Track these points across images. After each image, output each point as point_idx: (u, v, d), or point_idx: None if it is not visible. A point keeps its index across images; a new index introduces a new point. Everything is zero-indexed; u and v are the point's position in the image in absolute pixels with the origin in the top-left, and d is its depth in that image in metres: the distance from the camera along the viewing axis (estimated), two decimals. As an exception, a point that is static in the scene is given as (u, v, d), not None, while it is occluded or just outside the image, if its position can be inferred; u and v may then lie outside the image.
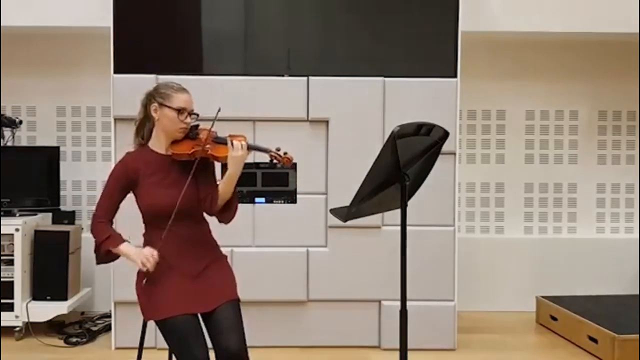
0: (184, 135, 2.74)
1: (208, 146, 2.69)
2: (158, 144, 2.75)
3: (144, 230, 2.75)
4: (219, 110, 2.69)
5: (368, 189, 2.44)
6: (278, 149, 2.74)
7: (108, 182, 2.74)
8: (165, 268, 2.63)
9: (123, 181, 2.71)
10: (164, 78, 4.01)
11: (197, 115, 2.76)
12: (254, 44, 4.23)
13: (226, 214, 2.79)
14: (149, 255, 2.57)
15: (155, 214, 2.66)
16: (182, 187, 2.62)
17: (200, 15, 4.22)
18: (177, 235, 2.64)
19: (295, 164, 4.12)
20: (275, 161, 2.75)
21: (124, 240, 2.68)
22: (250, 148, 2.72)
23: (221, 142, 2.72)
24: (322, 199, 4.21)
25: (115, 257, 2.73)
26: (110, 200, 2.71)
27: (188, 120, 2.73)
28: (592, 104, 5.29)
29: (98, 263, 2.77)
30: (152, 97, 2.73)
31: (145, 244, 2.70)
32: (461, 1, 4.19)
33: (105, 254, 2.70)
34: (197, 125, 2.77)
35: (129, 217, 2.81)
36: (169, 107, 2.69)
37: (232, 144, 2.65)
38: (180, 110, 2.69)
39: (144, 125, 2.79)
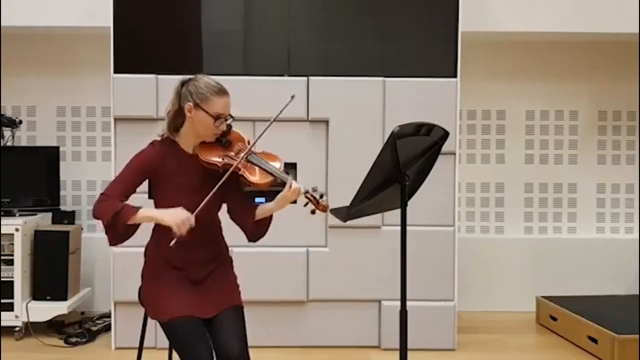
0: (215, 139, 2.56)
1: (240, 166, 2.50)
2: (185, 142, 2.57)
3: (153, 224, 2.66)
4: (281, 109, 2.60)
5: (368, 189, 2.44)
6: (315, 189, 2.56)
7: (128, 167, 2.54)
8: (172, 269, 2.60)
9: (145, 169, 2.53)
10: (164, 78, 4.04)
11: (233, 118, 2.57)
12: (254, 44, 4.23)
13: (258, 233, 2.71)
14: (186, 220, 2.38)
15: None
16: (204, 195, 2.45)
17: (200, 15, 4.23)
18: (187, 237, 2.50)
19: (295, 164, 4.13)
20: (310, 205, 2.55)
21: (139, 207, 2.45)
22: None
23: (255, 163, 2.54)
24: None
25: (132, 232, 2.52)
26: (124, 184, 2.51)
27: (224, 127, 2.53)
28: (592, 104, 5.29)
29: (112, 244, 2.53)
30: (190, 94, 2.51)
31: (154, 239, 2.65)
32: (461, 1, 4.18)
33: (123, 228, 2.46)
34: (230, 127, 2.59)
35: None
36: (205, 111, 2.48)
37: (290, 185, 2.52)
38: (217, 117, 2.50)
39: (177, 118, 2.56)
